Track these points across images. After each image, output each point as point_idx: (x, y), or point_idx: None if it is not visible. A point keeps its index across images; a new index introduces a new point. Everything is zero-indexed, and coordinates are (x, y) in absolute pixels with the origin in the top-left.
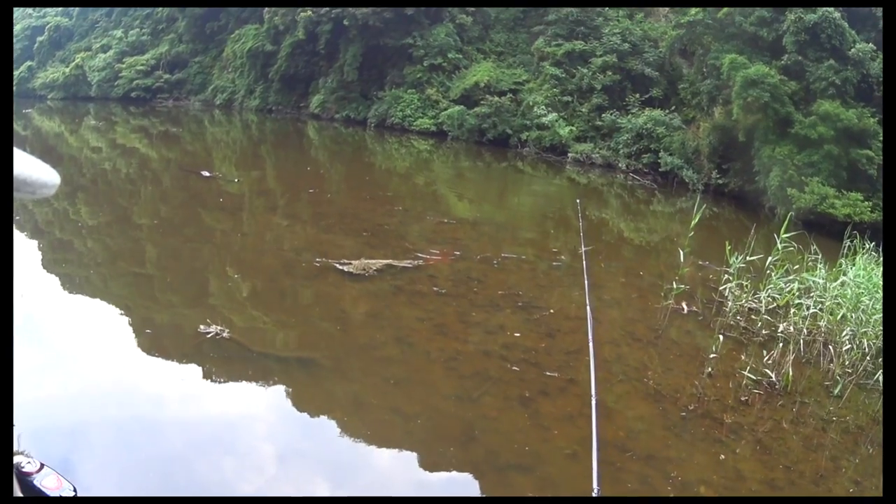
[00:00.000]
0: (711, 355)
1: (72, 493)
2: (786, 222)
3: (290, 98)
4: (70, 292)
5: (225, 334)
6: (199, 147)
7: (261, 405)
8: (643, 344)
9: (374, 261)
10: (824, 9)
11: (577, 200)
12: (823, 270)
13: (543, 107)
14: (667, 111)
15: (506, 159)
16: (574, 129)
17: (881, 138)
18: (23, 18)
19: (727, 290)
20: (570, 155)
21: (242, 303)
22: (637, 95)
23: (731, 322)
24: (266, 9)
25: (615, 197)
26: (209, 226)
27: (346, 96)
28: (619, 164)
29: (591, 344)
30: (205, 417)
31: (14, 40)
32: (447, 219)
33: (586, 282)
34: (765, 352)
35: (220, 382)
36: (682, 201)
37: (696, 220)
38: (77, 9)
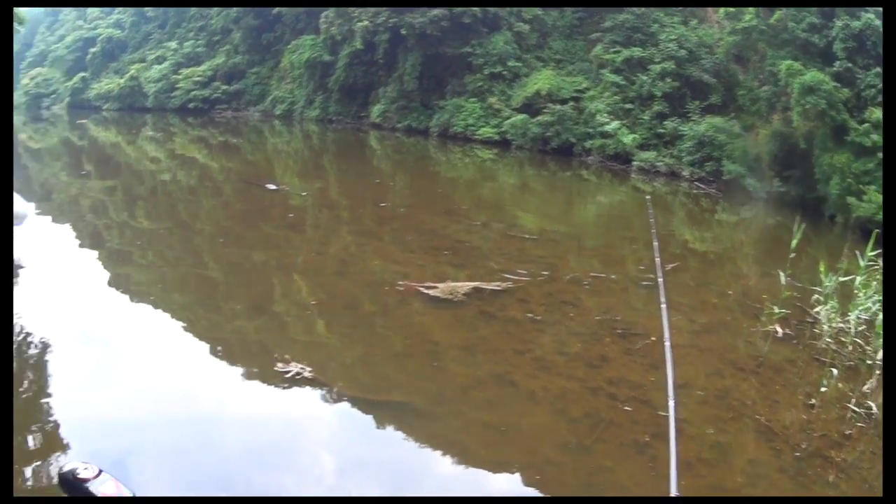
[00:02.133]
0: (822, 388)
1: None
2: (871, 240)
3: (349, 108)
4: (135, 303)
5: (306, 373)
6: (260, 157)
7: (350, 458)
8: (746, 374)
9: (460, 283)
10: (867, 16)
11: (650, 212)
12: None
13: (606, 115)
14: (727, 118)
15: (570, 168)
16: (637, 136)
17: None
18: (73, 30)
19: (820, 312)
20: (634, 163)
21: (322, 334)
22: (697, 102)
23: (823, 346)
24: (322, 19)
25: (681, 206)
26: (279, 244)
27: (407, 106)
28: (683, 173)
29: (666, 343)
30: (290, 472)
31: (65, 51)
32: (527, 234)
33: (663, 305)
34: (860, 378)
35: (299, 427)
36: (745, 210)
37: (797, 240)
38: (129, 21)
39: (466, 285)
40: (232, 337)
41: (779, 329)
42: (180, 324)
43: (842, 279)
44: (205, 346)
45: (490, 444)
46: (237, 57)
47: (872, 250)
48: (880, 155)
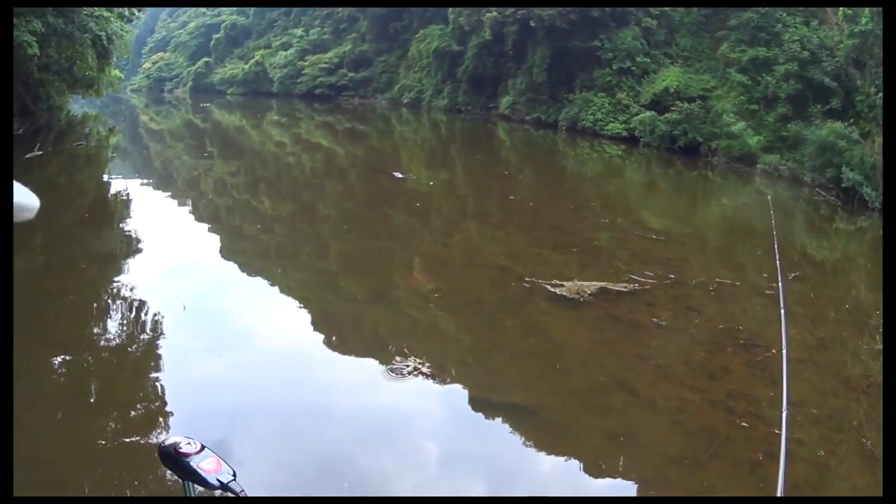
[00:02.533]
0: None
1: (231, 477)
2: None
3: (478, 98)
4: (266, 284)
5: (424, 368)
6: (387, 145)
7: (454, 450)
8: (857, 394)
9: (587, 283)
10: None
11: (772, 218)
12: None
13: (732, 115)
14: (846, 124)
15: (696, 168)
16: (762, 138)
17: None
18: (196, 16)
19: None
20: (758, 166)
21: (444, 328)
22: (818, 106)
23: None
24: (450, 9)
25: (801, 212)
26: (403, 234)
27: (536, 98)
28: (805, 178)
29: (784, 350)
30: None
31: (188, 37)
32: (655, 234)
33: (783, 318)
34: None
35: (408, 419)
36: (862, 220)
37: None
38: (253, 8)
39: (593, 285)
40: (349, 324)
41: None
42: (297, 307)
43: None
44: (320, 332)
45: (604, 453)
46: (364, 45)
47: None
48: None
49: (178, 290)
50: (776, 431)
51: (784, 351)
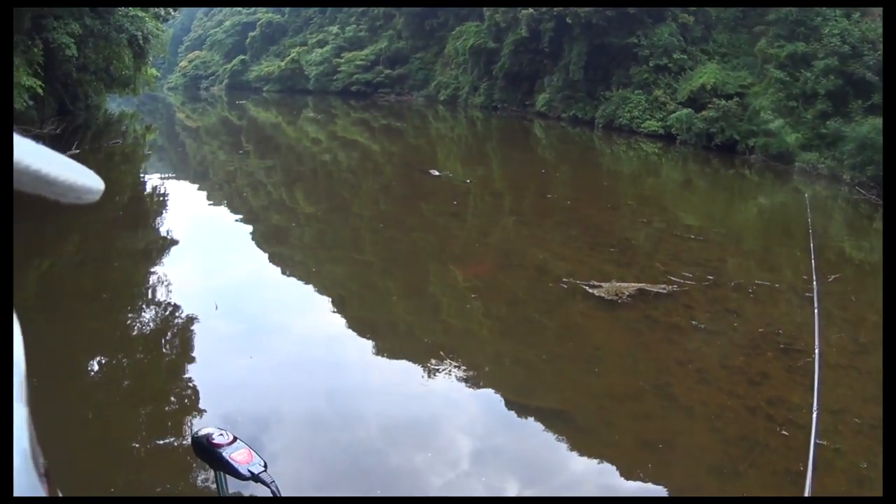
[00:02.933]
0: None
1: (262, 468)
2: None
3: (514, 96)
4: (299, 282)
5: (460, 371)
6: (423, 142)
7: (487, 448)
8: None
9: (625, 284)
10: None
11: (809, 218)
12: None
13: (770, 112)
14: None
15: (733, 166)
16: (800, 136)
17: None
18: (232, 15)
19: None
20: (796, 164)
21: (480, 329)
22: (859, 101)
23: None
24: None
25: (840, 211)
26: (440, 232)
27: (573, 95)
28: (844, 176)
29: (816, 353)
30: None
31: (224, 35)
32: (692, 234)
33: (816, 321)
34: None
35: (442, 417)
36: None
37: None
38: (289, 7)
39: (632, 286)
40: (384, 323)
41: None
42: (331, 306)
43: None
44: (354, 330)
45: (639, 460)
46: (400, 42)
47: None
48: None
49: (213, 289)
50: (818, 441)
51: (817, 351)
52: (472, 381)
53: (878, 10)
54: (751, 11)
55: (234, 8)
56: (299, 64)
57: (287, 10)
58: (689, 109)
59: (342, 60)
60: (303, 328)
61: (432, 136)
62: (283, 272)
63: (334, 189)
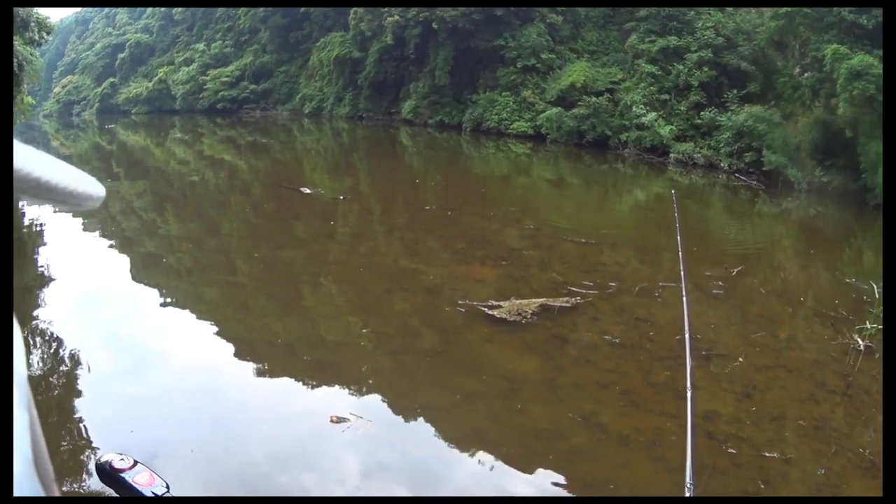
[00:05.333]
0: None
1: (164, 489)
2: None
3: (380, 104)
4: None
5: (365, 429)
6: (290, 157)
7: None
8: (839, 397)
9: (526, 301)
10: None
11: (675, 211)
12: None
13: (642, 106)
14: (766, 107)
15: (606, 161)
16: (674, 128)
17: None
18: (103, 37)
19: None
20: (671, 155)
21: (381, 374)
22: (734, 91)
23: None
24: (351, 15)
25: (722, 199)
26: (319, 258)
27: (439, 101)
28: (721, 164)
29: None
30: None
31: (95, 58)
32: (584, 238)
33: (686, 317)
34: None
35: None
36: (788, 201)
37: None
38: (157, 24)
39: (533, 303)
40: (271, 372)
41: (859, 340)
42: (209, 330)
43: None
44: (234, 354)
45: None
46: (265, 56)
47: None
48: None
49: (91, 315)
50: (766, 454)
51: (685, 316)
52: (381, 439)
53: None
54: (621, 9)
55: (106, 29)
56: (166, 84)
57: (155, 29)
58: (559, 108)
59: (208, 78)
60: (182, 354)
61: (298, 150)
62: (159, 299)
63: (204, 210)
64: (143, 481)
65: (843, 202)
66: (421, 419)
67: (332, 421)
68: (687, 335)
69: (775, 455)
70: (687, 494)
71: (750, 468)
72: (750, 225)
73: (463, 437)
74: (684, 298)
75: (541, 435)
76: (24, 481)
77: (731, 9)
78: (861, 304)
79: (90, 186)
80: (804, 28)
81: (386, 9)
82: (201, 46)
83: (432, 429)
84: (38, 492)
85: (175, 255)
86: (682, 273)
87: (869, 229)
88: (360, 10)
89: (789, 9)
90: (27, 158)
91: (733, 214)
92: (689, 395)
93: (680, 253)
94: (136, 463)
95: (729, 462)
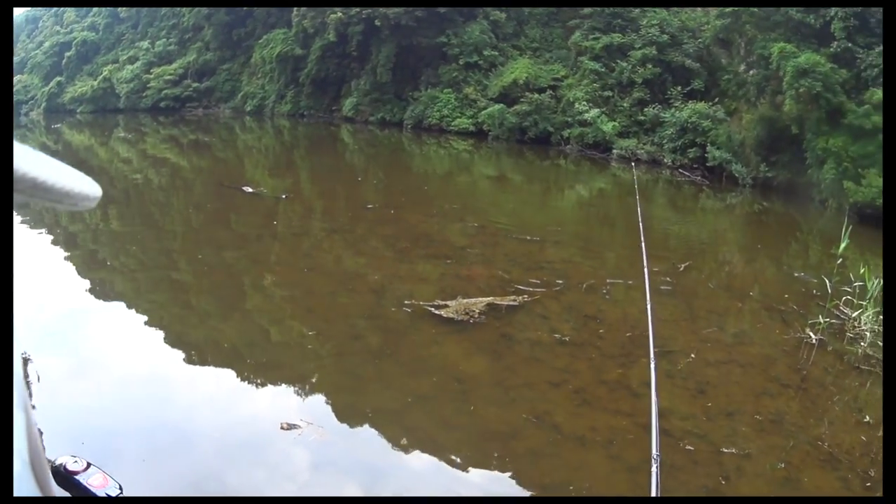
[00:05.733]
0: (874, 401)
1: (118, 491)
2: None
3: (321, 102)
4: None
5: (316, 435)
6: (231, 155)
7: None
8: (794, 391)
9: (473, 300)
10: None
11: (639, 208)
12: None
13: (585, 103)
14: (710, 103)
15: (548, 157)
16: (617, 124)
17: None
18: (51, 35)
19: (863, 321)
20: (614, 151)
21: (329, 378)
22: (678, 88)
23: (862, 352)
24: (294, 12)
25: (665, 195)
26: (264, 260)
27: (380, 98)
28: (665, 160)
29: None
30: None
31: (43, 57)
32: (529, 235)
33: (649, 311)
34: None
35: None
36: (732, 196)
37: (844, 245)
38: (103, 22)
39: (480, 302)
40: (223, 385)
41: (811, 334)
42: (156, 331)
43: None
44: (182, 353)
45: None
46: (208, 54)
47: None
48: (881, 137)
49: (35, 322)
50: (724, 450)
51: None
52: (332, 445)
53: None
54: (565, 7)
55: (55, 27)
56: (111, 83)
57: (101, 26)
58: (501, 105)
59: (151, 76)
60: (127, 358)
61: (240, 148)
62: (103, 300)
63: (147, 210)
64: (96, 483)
65: (787, 197)
66: (373, 423)
67: (282, 428)
68: (649, 304)
69: (733, 451)
70: (653, 466)
71: (709, 464)
72: (694, 220)
73: (417, 441)
74: (647, 287)
75: (495, 436)
76: (22, 482)
77: (676, 7)
78: (810, 298)
79: (86, 186)
80: (750, 26)
81: (331, 8)
82: (146, 44)
83: (385, 433)
84: (35, 492)
85: (118, 257)
86: (645, 270)
87: (814, 223)
88: (304, 7)
89: (736, 7)
90: (25, 158)
91: (677, 210)
92: (651, 363)
93: (643, 249)
94: (89, 465)
95: (687, 459)
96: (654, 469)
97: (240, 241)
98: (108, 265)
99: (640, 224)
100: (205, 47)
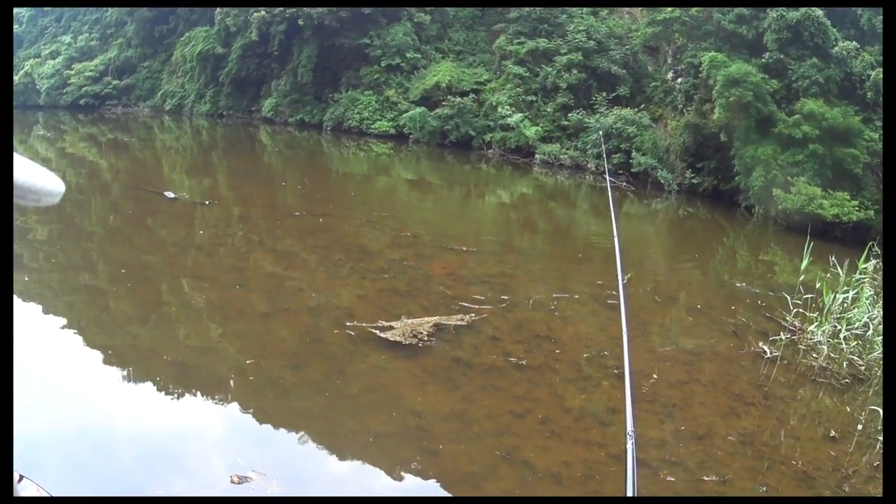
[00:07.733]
0: (859, 427)
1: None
2: (864, 252)
3: (241, 102)
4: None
5: (273, 484)
6: (149, 155)
7: None
8: (759, 408)
9: (418, 320)
10: (807, 7)
11: (613, 215)
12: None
13: (508, 107)
14: (635, 110)
15: (469, 161)
16: (540, 129)
17: (866, 137)
18: None
19: (818, 333)
20: (537, 156)
21: (273, 415)
22: (604, 94)
23: (817, 364)
24: (217, 10)
25: (588, 200)
26: (189, 274)
27: (300, 99)
28: (589, 165)
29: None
30: None
31: None
32: (465, 246)
33: (624, 327)
34: (862, 397)
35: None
36: (658, 202)
37: (806, 262)
38: (27, 15)
39: (426, 322)
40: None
41: (765, 348)
42: (73, 336)
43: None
44: (101, 360)
45: None
46: (129, 50)
47: (865, 262)
48: (812, 146)
49: None
50: (704, 478)
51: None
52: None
53: (628, 9)
54: (490, 10)
55: None
56: (32, 78)
57: (25, 19)
58: (423, 108)
59: (72, 72)
60: (46, 361)
61: (158, 148)
62: (20, 302)
63: (65, 212)
64: (31, 494)
65: (713, 203)
66: (331, 470)
67: (232, 482)
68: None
69: (713, 478)
70: (628, 443)
71: (689, 492)
72: (624, 226)
73: (385, 488)
74: (622, 302)
75: (465, 479)
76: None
77: (604, 13)
78: (757, 309)
79: (49, 182)
80: (680, 35)
81: (255, 7)
82: (68, 39)
83: (347, 481)
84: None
85: (37, 259)
86: (619, 283)
87: (742, 229)
88: (228, 6)
89: (667, 16)
90: None
91: (600, 215)
92: (624, 338)
93: (618, 265)
94: (21, 477)
95: (670, 490)
96: (629, 445)
97: (162, 253)
98: (23, 268)
99: (616, 235)
100: (126, 44)
